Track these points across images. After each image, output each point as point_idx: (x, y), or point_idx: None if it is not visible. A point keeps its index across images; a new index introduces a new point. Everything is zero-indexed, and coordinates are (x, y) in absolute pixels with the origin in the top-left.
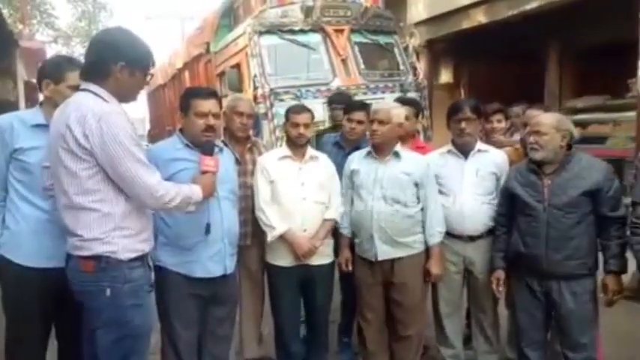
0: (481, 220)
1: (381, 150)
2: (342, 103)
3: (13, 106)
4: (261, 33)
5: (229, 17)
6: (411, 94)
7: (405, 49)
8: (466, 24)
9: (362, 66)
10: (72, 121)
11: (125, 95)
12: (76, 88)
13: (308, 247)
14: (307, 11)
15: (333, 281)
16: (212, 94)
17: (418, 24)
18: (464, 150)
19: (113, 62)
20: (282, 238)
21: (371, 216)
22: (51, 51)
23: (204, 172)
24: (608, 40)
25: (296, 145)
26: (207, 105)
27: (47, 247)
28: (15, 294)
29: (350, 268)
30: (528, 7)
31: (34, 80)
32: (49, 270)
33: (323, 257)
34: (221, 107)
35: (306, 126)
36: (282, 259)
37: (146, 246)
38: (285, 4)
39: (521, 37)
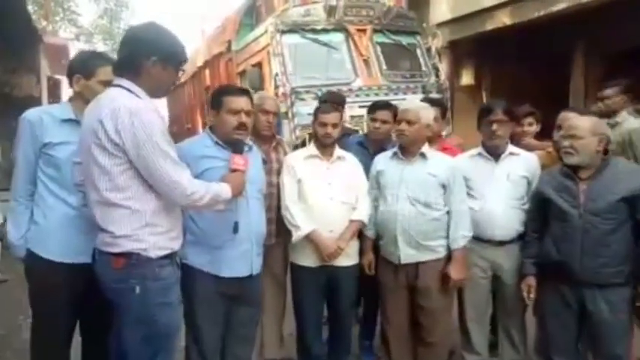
0: (511, 225)
1: (407, 151)
2: (335, 103)
3: (36, 102)
4: (283, 32)
5: (251, 16)
6: (433, 96)
7: (428, 50)
8: (490, 25)
9: (384, 66)
10: (104, 117)
11: (157, 90)
12: (106, 83)
13: (334, 249)
14: (330, 10)
15: (357, 283)
16: (244, 91)
17: (440, 25)
18: (495, 153)
19: (145, 57)
20: (307, 238)
21: (395, 218)
22: (73, 48)
23: (233, 171)
24: (636, 42)
25: (323, 144)
26: (240, 102)
27: (75, 242)
28: (42, 288)
29: (373, 271)
30: (556, 8)
31: (57, 76)
32: (76, 265)
33: (348, 258)
34: (252, 105)
35: (334, 126)
36: (306, 260)
37: (175, 244)
38: (307, 3)
39: (547, 39)
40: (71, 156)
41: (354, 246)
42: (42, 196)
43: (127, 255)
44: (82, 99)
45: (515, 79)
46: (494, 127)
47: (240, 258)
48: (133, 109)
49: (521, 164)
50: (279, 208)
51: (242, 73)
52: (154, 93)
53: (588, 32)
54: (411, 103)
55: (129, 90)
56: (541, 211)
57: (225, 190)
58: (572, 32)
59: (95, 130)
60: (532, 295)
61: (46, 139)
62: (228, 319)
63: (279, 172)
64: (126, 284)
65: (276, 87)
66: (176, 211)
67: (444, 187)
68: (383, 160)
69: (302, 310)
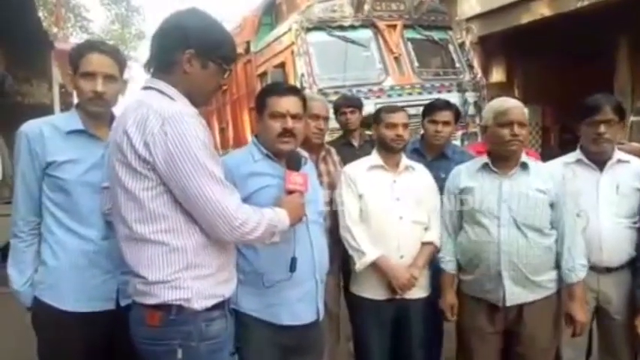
0: (622, 248)
1: (505, 161)
2: (351, 106)
3: (48, 110)
4: (308, 29)
5: (271, 15)
6: (469, 94)
7: (461, 45)
8: (526, 18)
9: (416, 64)
10: (130, 126)
11: (197, 94)
12: (91, 76)
13: (406, 278)
14: (358, 5)
15: (430, 320)
16: (292, 90)
17: (469, 19)
18: (599, 160)
19: (179, 50)
20: (373, 265)
21: (498, 248)
22: None
23: (290, 192)
24: None
25: (393, 150)
26: (285, 103)
27: (93, 286)
28: (53, 345)
29: (454, 317)
30: None
31: None
32: (95, 314)
33: (420, 289)
34: (305, 106)
35: (405, 126)
36: (370, 291)
37: (226, 289)
38: None
39: (588, 31)
40: (83, 176)
41: (425, 274)
42: (49, 230)
43: (164, 307)
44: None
45: (550, 76)
46: (602, 128)
47: (303, 300)
48: (165, 115)
49: (633, 173)
50: (330, 229)
51: (262, 75)
52: (193, 97)
53: (635, 24)
54: (510, 100)
55: (161, 92)
56: None
57: (282, 217)
58: (617, 23)
59: (119, 145)
60: None
61: (49, 157)
62: None
63: (329, 187)
64: (165, 346)
65: (302, 89)
66: (227, 247)
67: (552, 205)
68: (467, 174)
69: (365, 351)
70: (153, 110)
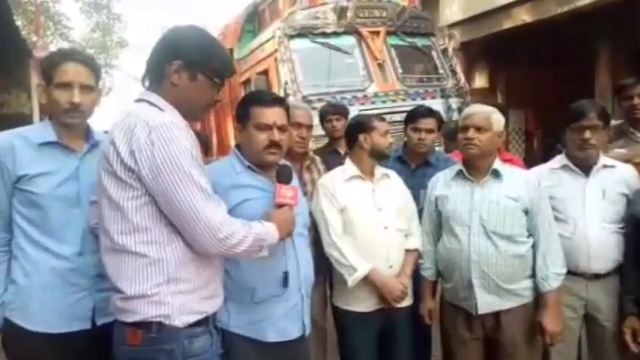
0: (610, 254)
1: (476, 168)
2: (337, 113)
3: (27, 120)
4: (291, 36)
5: (253, 22)
6: (453, 100)
7: (444, 51)
8: (508, 24)
9: (399, 70)
10: (117, 136)
11: (185, 106)
12: (65, 86)
13: (400, 290)
14: (340, 12)
15: (417, 327)
16: (277, 100)
17: (451, 26)
18: (584, 165)
19: (167, 61)
20: (363, 278)
21: (469, 257)
22: None
23: (279, 206)
24: None
25: (385, 158)
26: (271, 115)
27: (67, 305)
28: None
29: (431, 321)
30: (580, 3)
31: None
32: (70, 335)
33: (406, 298)
34: (289, 117)
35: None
36: (359, 304)
37: (210, 305)
38: (316, 4)
39: (568, 37)
40: (56, 190)
41: (410, 282)
42: (20, 247)
43: (144, 325)
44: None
45: (532, 81)
46: (587, 134)
47: (289, 315)
48: (152, 124)
49: (620, 179)
50: (315, 241)
51: (246, 83)
52: (182, 110)
53: (614, 28)
54: (478, 106)
55: (151, 103)
56: (637, 237)
57: (271, 231)
58: (597, 29)
59: (106, 154)
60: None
61: (20, 170)
62: None
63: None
64: None
65: (286, 96)
66: (213, 262)
67: (526, 212)
68: (443, 182)
69: None
70: (140, 119)
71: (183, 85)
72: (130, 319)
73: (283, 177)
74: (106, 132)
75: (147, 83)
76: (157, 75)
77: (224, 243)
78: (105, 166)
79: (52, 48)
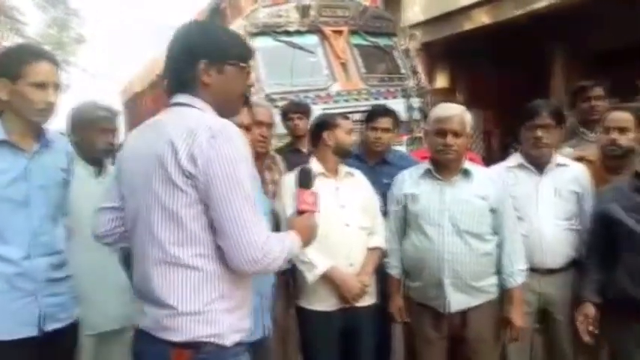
0: (563, 249)
1: (446, 168)
2: (298, 112)
3: None
4: (253, 34)
5: (216, 19)
6: (414, 100)
7: (406, 51)
8: (468, 25)
9: (362, 70)
10: (177, 137)
11: (223, 102)
12: (43, 86)
13: (360, 288)
14: (303, 11)
15: (379, 326)
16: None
17: (413, 26)
18: (539, 163)
19: (191, 64)
20: (323, 276)
21: (440, 256)
22: None
23: (301, 212)
24: (619, 41)
25: (349, 155)
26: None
27: (11, 311)
28: None
29: (404, 318)
30: (536, 6)
31: None
32: (14, 343)
33: (369, 296)
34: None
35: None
36: (320, 303)
37: (248, 322)
38: (279, 2)
39: (525, 39)
40: (3, 191)
41: (373, 281)
42: None
43: (194, 345)
44: (13, 111)
45: (491, 82)
46: (539, 133)
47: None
48: (215, 127)
49: (571, 177)
50: None
51: None
52: (222, 108)
53: (569, 32)
54: (451, 107)
55: (193, 107)
56: (603, 235)
57: (296, 242)
58: (553, 32)
59: (160, 156)
60: (591, 329)
61: None
62: None
63: (274, 196)
64: None
65: (249, 94)
66: (248, 277)
67: (492, 211)
68: (411, 181)
69: None
70: (202, 122)
71: (215, 81)
72: (178, 338)
73: (305, 181)
74: (62, 133)
75: (172, 90)
76: (184, 82)
77: (261, 262)
78: (158, 169)
79: (5, 44)
